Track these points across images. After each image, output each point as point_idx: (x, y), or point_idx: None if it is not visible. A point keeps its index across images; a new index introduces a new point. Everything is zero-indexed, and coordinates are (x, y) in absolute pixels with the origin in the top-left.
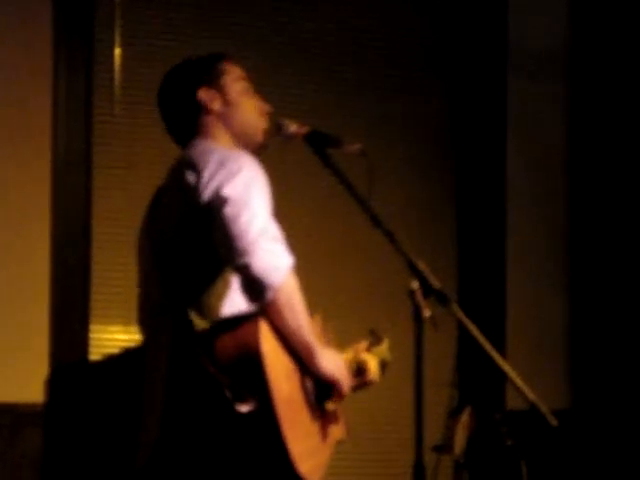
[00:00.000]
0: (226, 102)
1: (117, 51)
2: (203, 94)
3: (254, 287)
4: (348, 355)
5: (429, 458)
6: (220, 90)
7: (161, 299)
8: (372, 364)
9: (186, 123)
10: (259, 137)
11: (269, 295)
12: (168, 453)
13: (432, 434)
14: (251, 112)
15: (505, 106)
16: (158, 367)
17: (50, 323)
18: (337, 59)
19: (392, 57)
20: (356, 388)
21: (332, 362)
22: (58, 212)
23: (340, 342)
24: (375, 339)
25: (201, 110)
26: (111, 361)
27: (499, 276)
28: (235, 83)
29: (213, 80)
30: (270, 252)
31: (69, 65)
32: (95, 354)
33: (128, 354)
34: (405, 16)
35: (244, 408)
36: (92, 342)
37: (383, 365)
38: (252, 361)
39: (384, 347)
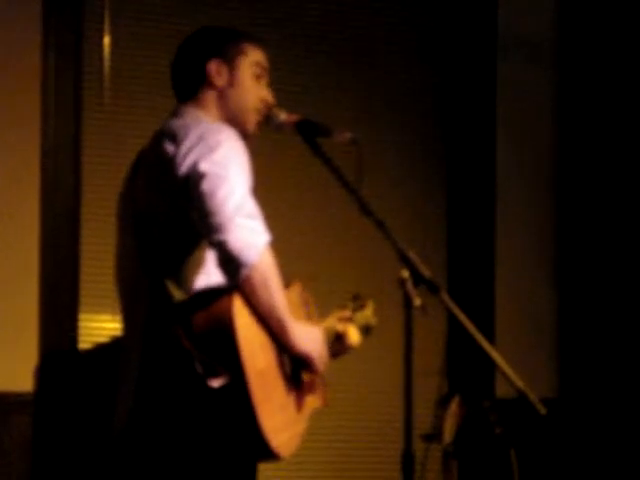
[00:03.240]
0: (231, 81)
1: (106, 40)
2: (213, 66)
3: (229, 264)
4: (329, 322)
5: (418, 447)
6: (231, 68)
7: (138, 268)
8: (351, 332)
9: (188, 86)
10: (249, 126)
11: (244, 272)
12: (141, 426)
13: (421, 423)
14: (250, 99)
15: (495, 94)
16: (133, 337)
17: (39, 312)
18: (324, 46)
19: (382, 45)
20: (336, 355)
21: (305, 339)
22: (47, 201)
23: (322, 310)
24: (359, 304)
25: (205, 80)
26: (100, 350)
27: (488, 265)
28: (249, 67)
29: (229, 56)
30: (246, 229)
31: (58, 54)
32: (84, 343)
33: (117, 343)
34: (395, 4)
35: (216, 383)
36: (81, 331)
37: (367, 329)
38: (225, 335)
39: (368, 311)
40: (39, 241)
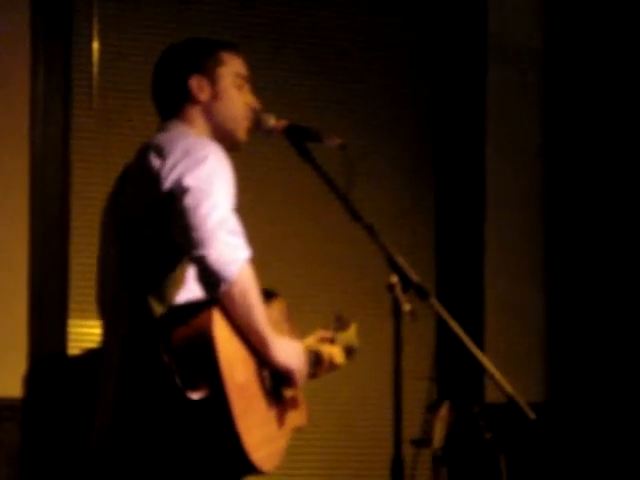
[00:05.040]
0: (214, 94)
1: (95, 45)
2: (194, 82)
3: (209, 279)
4: (308, 341)
5: (408, 452)
6: (212, 80)
7: (120, 283)
8: (333, 352)
9: (170, 104)
10: (239, 134)
11: (223, 288)
12: (120, 439)
13: (411, 428)
14: (237, 108)
15: (484, 100)
16: (113, 352)
17: (28, 318)
18: (316, 54)
19: (373, 53)
20: (314, 376)
21: (286, 352)
22: (36, 207)
23: (306, 329)
24: (341, 325)
25: (188, 97)
26: (89, 355)
27: (477, 270)
28: (230, 76)
29: (209, 68)
30: (227, 245)
31: (47, 59)
32: (73, 348)
33: None
34: (385, 13)
35: (195, 395)
36: (70, 337)
37: (349, 351)
38: (204, 347)
39: (351, 333)
40: (28, 247)
